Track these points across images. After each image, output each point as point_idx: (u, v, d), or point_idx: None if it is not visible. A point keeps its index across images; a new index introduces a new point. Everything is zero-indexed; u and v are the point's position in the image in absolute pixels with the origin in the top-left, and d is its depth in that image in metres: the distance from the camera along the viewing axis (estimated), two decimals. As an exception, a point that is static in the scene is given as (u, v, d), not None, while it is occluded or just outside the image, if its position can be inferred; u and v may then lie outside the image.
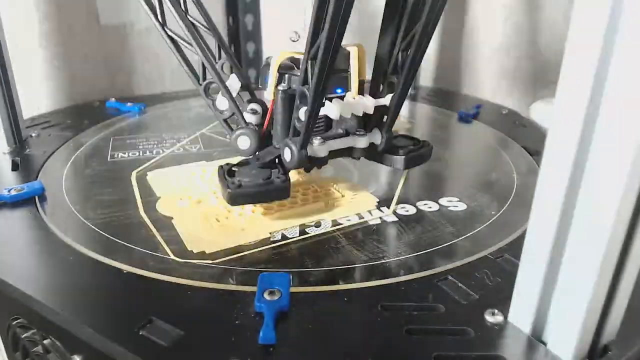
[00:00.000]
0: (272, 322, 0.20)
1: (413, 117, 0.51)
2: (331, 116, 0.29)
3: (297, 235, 0.28)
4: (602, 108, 0.16)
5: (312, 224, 0.29)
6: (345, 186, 0.34)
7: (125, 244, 0.27)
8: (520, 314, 0.20)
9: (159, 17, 0.32)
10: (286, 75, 0.30)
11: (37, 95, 0.54)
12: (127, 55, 0.61)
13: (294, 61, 0.30)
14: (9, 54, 0.42)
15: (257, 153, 0.31)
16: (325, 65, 0.25)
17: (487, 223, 0.30)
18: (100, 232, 0.28)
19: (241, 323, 0.21)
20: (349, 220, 0.30)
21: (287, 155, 0.29)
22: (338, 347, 0.20)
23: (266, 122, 0.31)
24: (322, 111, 0.28)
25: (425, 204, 0.32)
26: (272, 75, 0.30)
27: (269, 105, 0.31)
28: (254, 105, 0.32)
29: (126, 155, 0.41)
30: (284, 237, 0.28)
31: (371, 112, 0.30)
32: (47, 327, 0.22)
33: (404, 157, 0.32)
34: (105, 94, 0.59)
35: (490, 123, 0.49)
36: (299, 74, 0.28)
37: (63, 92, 0.56)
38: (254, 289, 0.22)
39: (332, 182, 0.34)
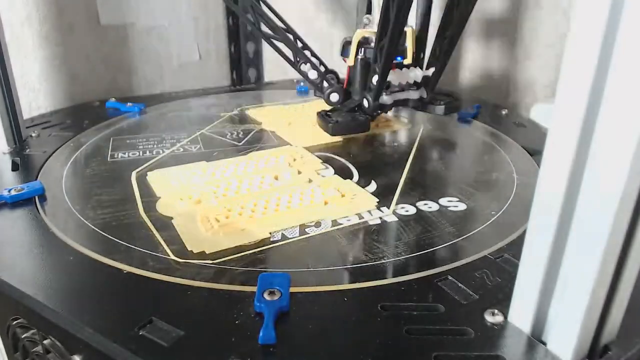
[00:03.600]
0: (272, 322, 0.20)
1: (413, 118, 0.51)
2: (393, 83, 0.43)
3: (297, 235, 0.28)
4: (602, 108, 0.16)
5: (312, 224, 0.29)
6: (345, 186, 0.34)
7: (126, 244, 0.27)
8: (520, 314, 0.20)
9: (260, 24, 0.45)
10: (362, 48, 0.43)
11: (37, 95, 0.54)
12: (127, 56, 0.61)
13: (366, 38, 0.43)
14: (9, 54, 0.42)
15: (342, 103, 0.45)
16: (390, 57, 0.39)
17: (487, 223, 0.30)
18: (101, 232, 0.28)
19: (241, 323, 0.21)
20: (349, 220, 0.30)
21: (365, 104, 0.43)
22: (338, 347, 0.20)
23: (345, 82, 0.45)
24: (387, 78, 0.42)
25: (425, 204, 0.32)
26: (353, 48, 0.43)
27: (346, 71, 0.45)
28: (330, 74, 0.47)
29: (126, 155, 0.41)
30: (284, 237, 0.28)
31: (419, 80, 0.45)
32: (47, 327, 0.22)
33: (443, 106, 0.45)
34: (105, 94, 0.59)
35: (491, 123, 0.49)
36: (369, 46, 0.43)
37: (63, 92, 0.56)
38: (254, 289, 0.22)
39: (332, 182, 0.34)
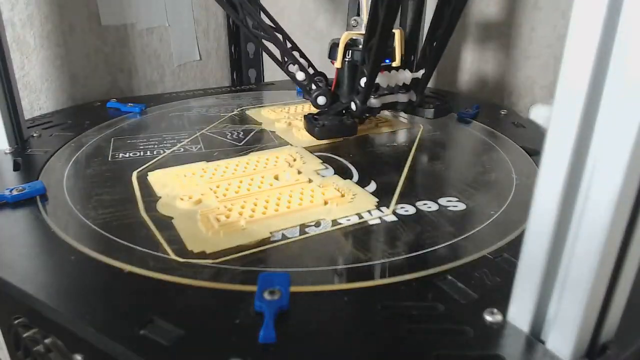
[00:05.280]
0: (272, 321, 0.20)
1: (412, 118, 0.51)
2: (382, 85, 0.42)
3: (297, 235, 0.28)
4: (601, 108, 0.16)
5: (312, 224, 0.30)
6: (345, 186, 0.34)
7: (126, 243, 0.27)
8: (519, 313, 0.21)
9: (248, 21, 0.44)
10: (349, 51, 0.43)
11: (38, 95, 0.55)
12: (128, 56, 0.61)
13: (354, 40, 0.43)
14: (11, 54, 0.42)
15: (330, 106, 0.45)
16: (378, 59, 0.39)
17: (486, 223, 0.30)
18: (101, 231, 0.29)
19: (241, 322, 0.21)
20: (349, 220, 0.30)
21: (353, 107, 0.43)
22: (338, 347, 0.20)
23: (333, 85, 0.45)
24: (376, 80, 0.41)
25: (424, 204, 0.32)
26: (341, 50, 0.43)
27: (333, 73, 0.44)
28: (319, 77, 0.46)
29: (127, 155, 0.41)
30: (284, 237, 0.28)
31: (408, 83, 0.44)
32: (48, 326, 0.23)
33: (433, 109, 0.45)
34: (106, 95, 0.60)
35: (490, 123, 0.49)
36: (357, 49, 0.42)
37: (64, 93, 0.57)
38: (254, 288, 0.22)
39: (332, 182, 0.35)
